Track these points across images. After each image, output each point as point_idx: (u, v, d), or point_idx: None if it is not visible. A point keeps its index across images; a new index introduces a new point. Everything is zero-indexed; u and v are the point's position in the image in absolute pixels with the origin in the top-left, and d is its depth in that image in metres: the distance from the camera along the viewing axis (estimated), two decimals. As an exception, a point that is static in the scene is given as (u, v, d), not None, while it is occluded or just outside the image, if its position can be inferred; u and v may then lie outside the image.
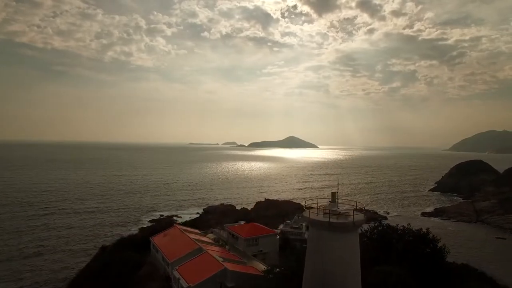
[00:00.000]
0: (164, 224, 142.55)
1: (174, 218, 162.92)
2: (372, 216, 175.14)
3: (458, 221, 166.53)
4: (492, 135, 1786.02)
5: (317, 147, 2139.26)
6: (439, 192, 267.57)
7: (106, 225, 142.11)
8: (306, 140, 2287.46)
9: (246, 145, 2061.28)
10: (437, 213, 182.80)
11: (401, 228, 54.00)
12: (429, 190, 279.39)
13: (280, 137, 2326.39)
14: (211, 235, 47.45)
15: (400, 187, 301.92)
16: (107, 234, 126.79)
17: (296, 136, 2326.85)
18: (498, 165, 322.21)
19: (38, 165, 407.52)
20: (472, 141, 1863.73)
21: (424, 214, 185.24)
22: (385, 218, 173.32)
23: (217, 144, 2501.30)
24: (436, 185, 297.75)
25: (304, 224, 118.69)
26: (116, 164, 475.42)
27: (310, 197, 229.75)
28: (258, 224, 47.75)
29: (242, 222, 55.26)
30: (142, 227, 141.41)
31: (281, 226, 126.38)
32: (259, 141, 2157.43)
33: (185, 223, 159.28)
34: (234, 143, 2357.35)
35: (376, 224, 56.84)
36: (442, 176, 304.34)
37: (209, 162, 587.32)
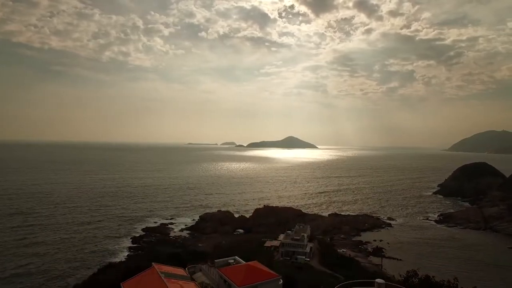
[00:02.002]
0: (155, 232, 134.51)
1: (169, 226, 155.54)
2: (375, 223, 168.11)
3: (466, 228, 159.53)
4: (491, 135, 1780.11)
5: (316, 147, 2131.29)
6: (442, 196, 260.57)
7: (97, 236, 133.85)
8: (305, 140, 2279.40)
9: (245, 145, 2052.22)
10: (443, 219, 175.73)
11: (444, 283, 41.46)
12: (432, 193, 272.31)
13: (279, 137, 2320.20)
14: (199, 276, 40.13)
15: (402, 190, 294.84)
16: (97, 249, 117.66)
17: (295, 136, 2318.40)
18: (500, 166, 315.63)
19: (34, 167, 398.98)
20: (471, 141, 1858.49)
21: (429, 220, 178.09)
22: (390, 225, 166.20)
23: (216, 144, 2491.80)
24: (439, 187, 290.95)
25: (305, 235, 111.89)
26: (113, 166, 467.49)
27: (311, 204, 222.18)
28: (257, 264, 40.18)
29: (237, 258, 47.26)
30: (132, 240, 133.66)
31: (281, 236, 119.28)
32: (258, 141, 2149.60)
33: (181, 231, 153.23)
34: (233, 143, 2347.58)
35: (409, 274, 43.86)
36: (446, 179, 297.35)
37: (207, 163, 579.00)
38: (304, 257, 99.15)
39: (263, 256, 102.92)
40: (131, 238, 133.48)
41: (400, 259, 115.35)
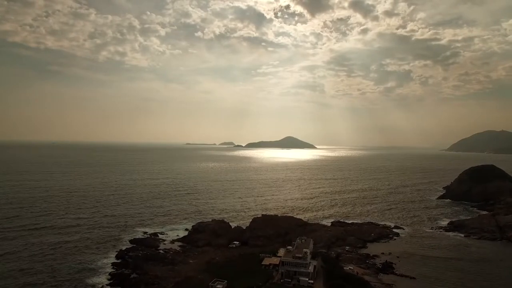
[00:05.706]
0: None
1: (159, 237, 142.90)
2: (382, 232, 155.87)
3: (480, 239, 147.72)
4: (490, 135, 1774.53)
5: (315, 147, 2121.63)
6: (449, 200, 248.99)
7: (80, 250, 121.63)
8: (304, 140, 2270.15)
9: (244, 145, 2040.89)
10: (455, 227, 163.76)
11: None
12: (438, 198, 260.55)
13: (278, 137, 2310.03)
14: None
15: (406, 193, 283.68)
16: (76, 268, 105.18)
17: (294, 136, 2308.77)
18: (504, 167, 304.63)
19: (26, 170, 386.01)
20: (471, 141, 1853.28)
21: (440, 228, 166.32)
22: (397, 235, 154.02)
23: (214, 144, 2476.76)
24: (444, 191, 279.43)
25: (308, 251, 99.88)
26: (107, 167, 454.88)
27: (311, 211, 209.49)
28: None
29: None
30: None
31: (281, 252, 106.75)
32: (256, 141, 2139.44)
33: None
34: (231, 143, 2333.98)
35: None
36: (451, 182, 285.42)
37: (204, 164, 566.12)
38: (307, 278, 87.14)
39: (260, 276, 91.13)
40: (116, 252, 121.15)
41: (413, 277, 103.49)
